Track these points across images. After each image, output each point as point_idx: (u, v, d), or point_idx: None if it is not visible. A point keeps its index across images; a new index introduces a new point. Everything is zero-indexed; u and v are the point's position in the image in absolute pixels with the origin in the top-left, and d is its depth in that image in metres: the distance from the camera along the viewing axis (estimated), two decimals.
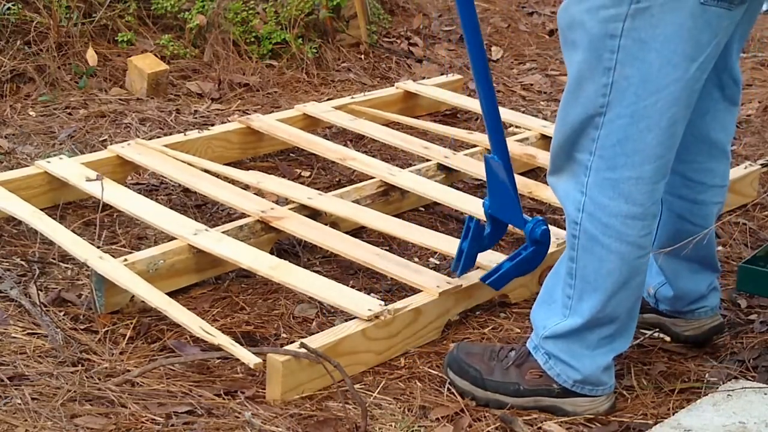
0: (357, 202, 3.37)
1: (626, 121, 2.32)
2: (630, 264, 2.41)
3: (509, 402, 2.56)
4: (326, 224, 3.21)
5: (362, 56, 4.97)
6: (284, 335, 2.82)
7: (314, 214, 3.25)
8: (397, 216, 3.38)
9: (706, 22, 2.26)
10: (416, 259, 3.23)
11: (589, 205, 2.39)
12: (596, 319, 2.46)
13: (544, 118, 4.42)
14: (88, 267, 2.88)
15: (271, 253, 3.09)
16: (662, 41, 2.26)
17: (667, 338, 2.86)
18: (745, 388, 2.53)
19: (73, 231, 3.09)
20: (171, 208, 3.30)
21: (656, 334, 2.85)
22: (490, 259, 2.94)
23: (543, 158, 3.78)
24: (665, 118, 2.32)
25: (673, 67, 2.28)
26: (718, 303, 2.81)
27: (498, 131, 2.71)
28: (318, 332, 2.70)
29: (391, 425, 2.45)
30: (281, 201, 3.37)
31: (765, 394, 2.51)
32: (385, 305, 2.73)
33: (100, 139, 3.92)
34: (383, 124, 4.09)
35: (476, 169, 3.63)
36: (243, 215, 3.22)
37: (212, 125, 4.04)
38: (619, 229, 2.38)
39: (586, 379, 2.52)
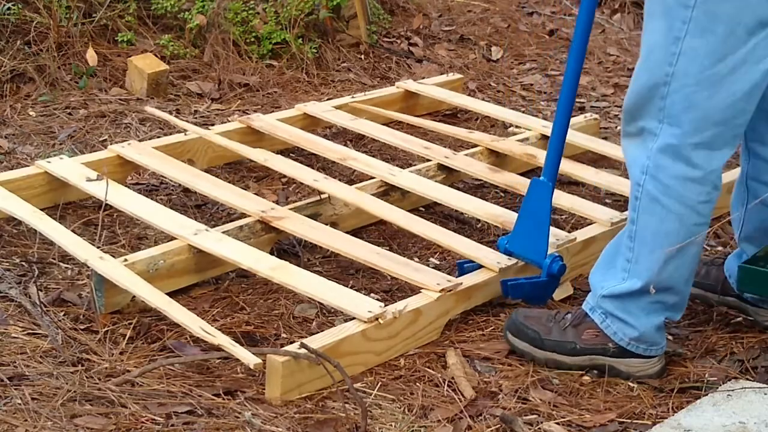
0: None
1: (691, 89, 2.46)
2: (688, 228, 2.54)
3: (566, 361, 2.69)
4: (326, 224, 3.21)
5: (362, 56, 4.96)
6: (284, 335, 2.82)
7: (314, 214, 3.26)
8: None
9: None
10: (416, 259, 3.23)
11: (652, 168, 2.54)
12: (653, 283, 2.56)
13: (544, 118, 4.42)
14: (88, 267, 2.88)
15: (271, 253, 3.09)
16: (730, 13, 2.39)
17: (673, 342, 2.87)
18: (745, 388, 2.53)
19: (73, 231, 3.09)
20: (171, 208, 3.30)
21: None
22: (493, 258, 3.01)
23: (543, 158, 3.76)
24: (726, 85, 2.44)
25: (736, 39, 2.41)
26: None
27: (558, 156, 2.88)
28: (318, 332, 2.70)
29: (391, 425, 2.45)
30: (281, 201, 3.37)
31: (765, 394, 2.51)
32: (385, 306, 2.73)
33: (100, 139, 3.92)
34: (383, 123, 4.09)
35: (476, 169, 3.63)
36: (243, 215, 3.22)
37: (212, 125, 4.04)
38: (679, 191, 2.51)
39: (642, 336, 2.64)
